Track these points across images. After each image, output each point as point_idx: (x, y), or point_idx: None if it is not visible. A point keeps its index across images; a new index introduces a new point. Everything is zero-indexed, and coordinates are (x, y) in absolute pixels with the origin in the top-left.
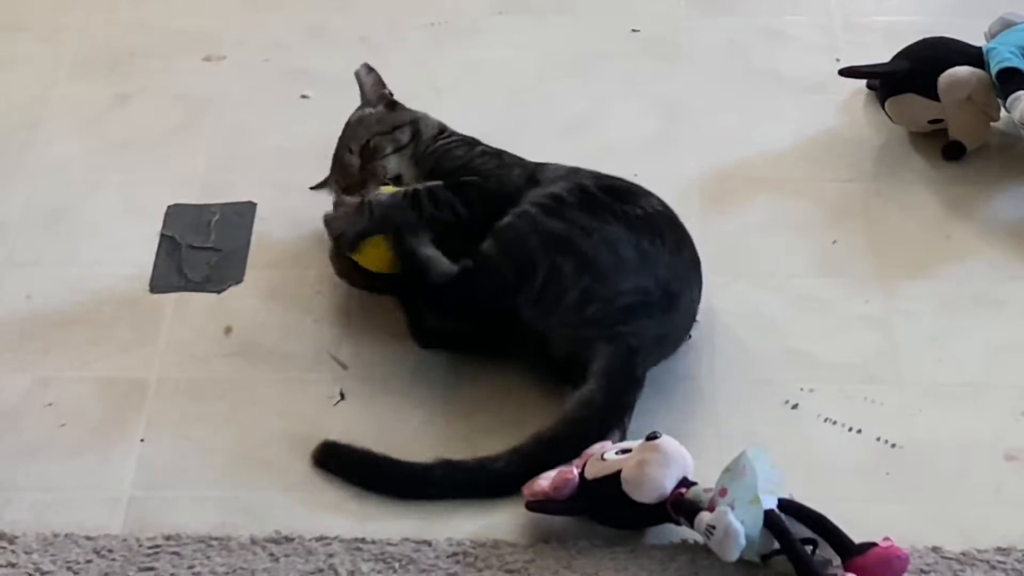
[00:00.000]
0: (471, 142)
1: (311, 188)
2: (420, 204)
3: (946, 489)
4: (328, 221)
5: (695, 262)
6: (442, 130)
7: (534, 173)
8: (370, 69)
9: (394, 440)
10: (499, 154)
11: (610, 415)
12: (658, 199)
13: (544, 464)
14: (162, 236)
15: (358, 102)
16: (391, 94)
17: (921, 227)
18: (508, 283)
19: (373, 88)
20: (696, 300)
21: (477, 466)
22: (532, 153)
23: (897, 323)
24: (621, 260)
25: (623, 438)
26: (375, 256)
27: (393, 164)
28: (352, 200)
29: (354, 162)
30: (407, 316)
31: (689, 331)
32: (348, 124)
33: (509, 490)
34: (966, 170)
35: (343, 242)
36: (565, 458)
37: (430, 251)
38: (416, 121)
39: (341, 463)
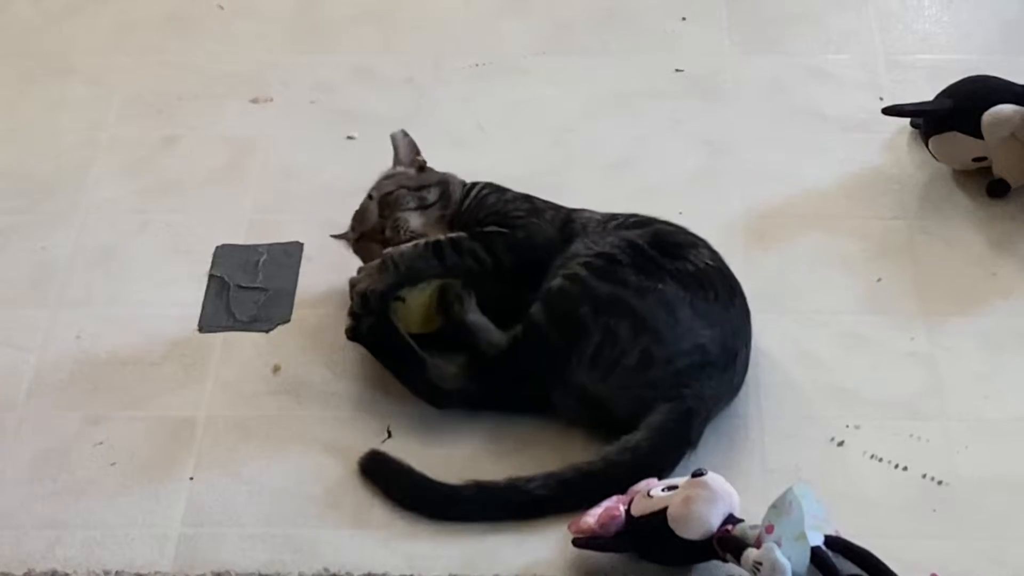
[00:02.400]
0: (500, 188)
1: (332, 236)
2: (443, 253)
3: (993, 526)
4: (354, 283)
5: (746, 312)
6: (469, 186)
7: (568, 219)
8: (405, 134)
9: (441, 477)
10: (529, 198)
11: (650, 468)
12: (706, 248)
13: (577, 494)
14: (210, 276)
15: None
16: (424, 161)
17: (966, 264)
18: (558, 349)
19: (407, 152)
20: (748, 352)
21: (508, 486)
22: (577, 191)
23: (942, 360)
24: (678, 321)
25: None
26: (415, 310)
27: (416, 222)
28: (373, 262)
29: (372, 209)
30: (405, 383)
31: (742, 384)
32: (380, 178)
33: (541, 513)
34: (1010, 207)
35: (371, 301)
36: (597, 495)
37: (478, 318)
38: (444, 182)
39: (382, 474)
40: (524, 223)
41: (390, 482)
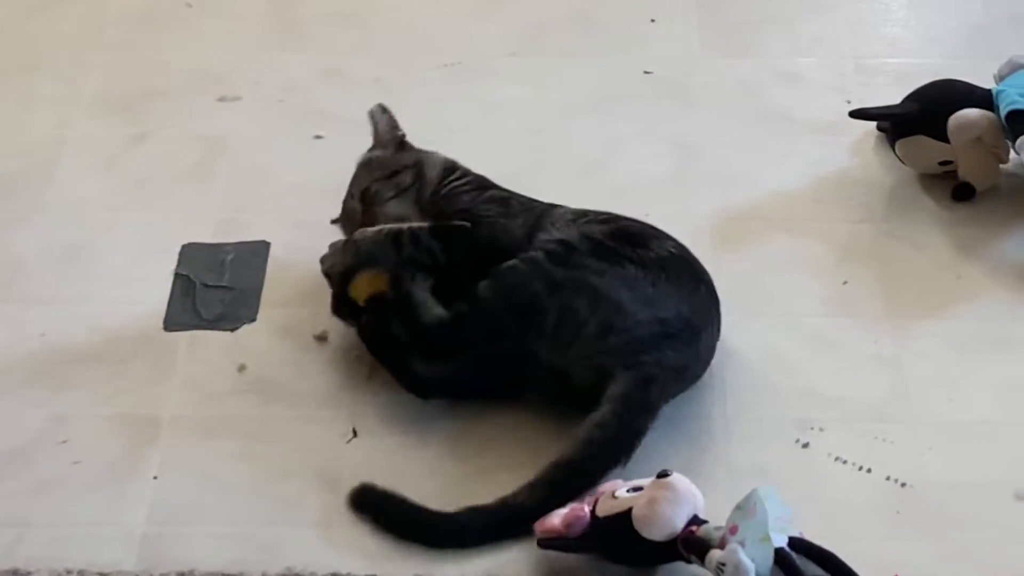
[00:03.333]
0: (481, 185)
1: (332, 222)
2: (400, 244)
3: (957, 528)
4: (321, 261)
5: (713, 298)
6: (450, 170)
7: (541, 217)
8: (384, 109)
9: (409, 476)
10: (506, 200)
11: (622, 437)
12: (673, 241)
13: (566, 490)
14: (177, 275)
15: (372, 142)
16: (404, 135)
17: (932, 267)
18: (507, 326)
19: (386, 128)
20: (716, 337)
21: (502, 506)
22: (547, 193)
23: (908, 362)
24: (638, 295)
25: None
26: (363, 284)
27: (394, 209)
28: (339, 241)
29: (356, 208)
30: (393, 373)
31: (707, 368)
32: (356, 170)
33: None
34: (976, 211)
35: (333, 279)
36: (585, 482)
37: (424, 296)
38: (420, 163)
39: (375, 507)
40: (490, 222)
41: (383, 514)
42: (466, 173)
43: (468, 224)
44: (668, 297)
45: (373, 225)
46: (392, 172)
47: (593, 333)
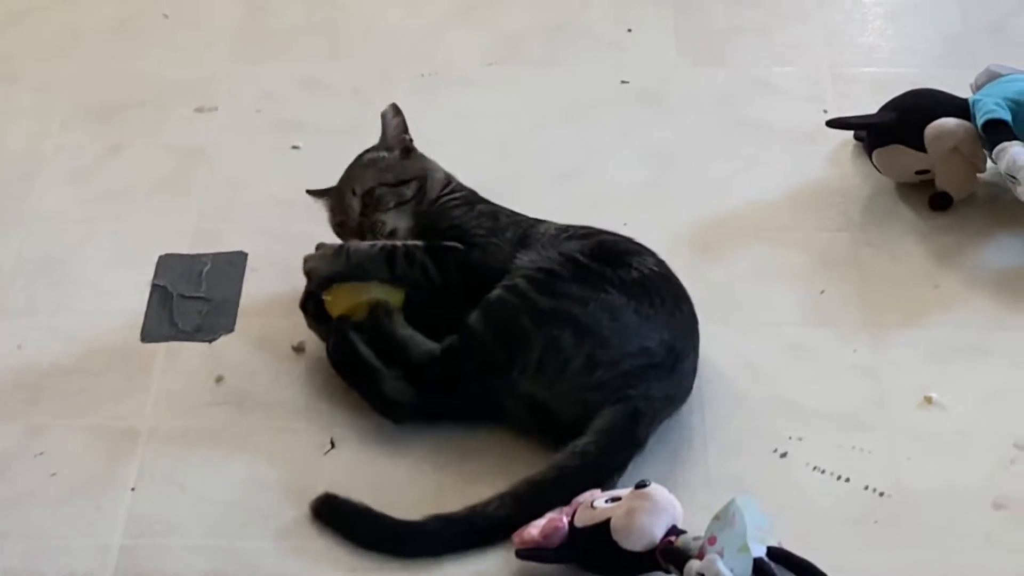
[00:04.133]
0: (471, 200)
1: (307, 191)
2: (394, 261)
3: (935, 538)
4: (306, 259)
5: (693, 318)
6: (447, 185)
7: (526, 234)
8: (397, 111)
9: (386, 488)
10: (495, 215)
11: (600, 470)
12: (652, 256)
13: (535, 508)
14: (153, 286)
15: (349, 153)
16: (411, 140)
17: (909, 276)
18: (498, 360)
19: (395, 131)
20: (696, 358)
21: (469, 514)
22: (524, 203)
23: (885, 372)
24: (622, 325)
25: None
26: (342, 299)
27: (392, 219)
28: (332, 244)
29: (355, 205)
30: (365, 398)
31: (690, 392)
32: (359, 162)
33: (504, 535)
34: (953, 220)
35: (313, 279)
36: (554, 503)
37: (407, 332)
38: (424, 177)
39: (338, 516)
40: (482, 243)
41: (347, 524)
42: (459, 187)
43: (461, 246)
44: (651, 322)
45: (366, 226)
46: (399, 181)
47: (579, 368)
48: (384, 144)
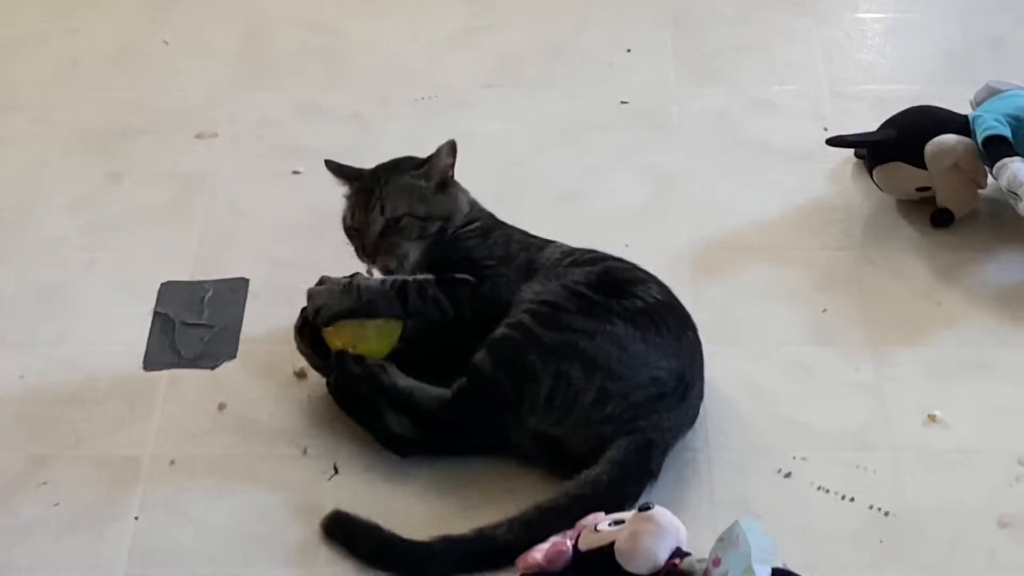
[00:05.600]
0: (487, 229)
1: (327, 162)
2: (407, 297)
3: (939, 556)
4: (312, 294)
5: (698, 343)
6: (467, 218)
7: (532, 259)
8: (453, 151)
9: (389, 513)
10: (508, 243)
11: (612, 501)
12: (656, 283)
13: (542, 533)
14: (155, 313)
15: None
16: (450, 177)
17: (911, 294)
18: (507, 399)
19: (442, 168)
20: (703, 384)
21: (477, 537)
22: (524, 224)
23: (888, 390)
24: (631, 356)
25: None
26: (344, 332)
27: (414, 255)
28: (339, 278)
29: (378, 224)
30: (371, 433)
31: (696, 417)
32: (399, 180)
33: (511, 559)
34: (954, 237)
35: (322, 315)
36: (566, 528)
37: (408, 382)
38: (449, 219)
39: (347, 534)
40: (492, 275)
41: (356, 542)
42: (477, 218)
43: (472, 279)
44: (658, 351)
45: (382, 247)
46: (427, 217)
47: (590, 402)
48: (425, 173)
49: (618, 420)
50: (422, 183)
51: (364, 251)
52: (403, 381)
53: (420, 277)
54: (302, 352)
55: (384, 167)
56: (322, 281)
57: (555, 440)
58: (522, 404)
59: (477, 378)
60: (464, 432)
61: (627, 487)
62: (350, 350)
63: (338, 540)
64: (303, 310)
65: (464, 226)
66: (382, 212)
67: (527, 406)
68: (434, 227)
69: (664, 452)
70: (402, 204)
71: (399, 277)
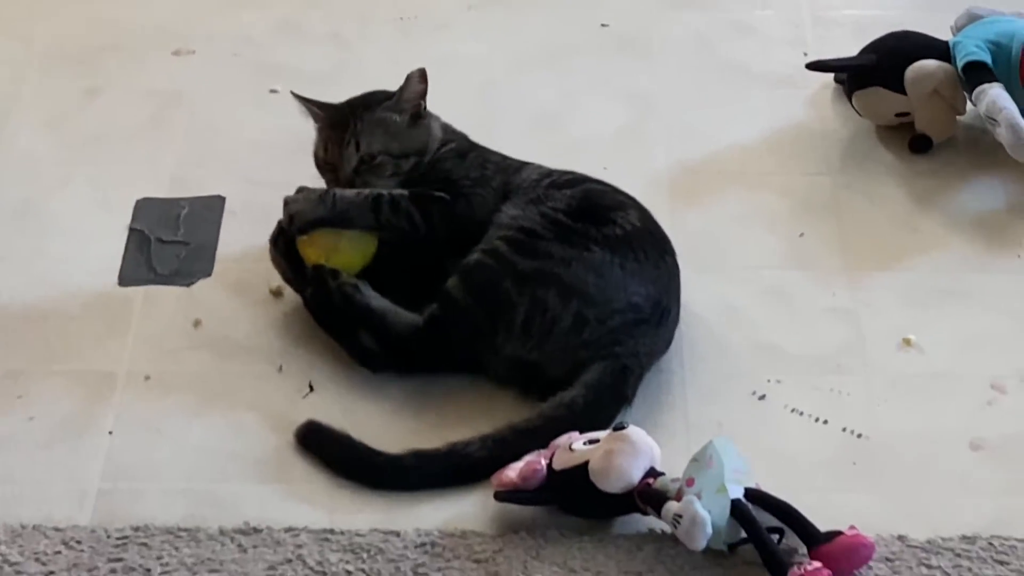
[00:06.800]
0: (462, 151)
1: (293, 93)
2: (380, 209)
3: (912, 479)
4: (288, 202)
5: (676, 269)
6: (440, 146)
7: (509, 181)
8: (423, 78)
9: (364, 431)
10: (483, 163)
11: (586, 424)
12: (635, 208)
13: (515, 452)
14: (131, 230)
15: (328, 97)
16: (422, 108)
17: (888, 220)
18: (480, 326)
19: (412, 96)
20: (679, 309)
21: (449, 452)
22: (502, 147)
23: (864, 315)
24: (608, 282)
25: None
26: (318, 243)
27: (384, 183)
28: (315, 189)
29: (352, 161)
30: (343, 346)
31: (671, 342)
32: (371, 115)
33: (482, 475)
34: (933, 163)
35: (296, 222)
36: (538, 448)
37: (382, 303)
38: (423, 152)
39: (320, 444)
40: (468, 193)
41: (328, 452)
42: (450, 140)
43: (447, 196)
44: (636, 277)
45: (357, 183)
46: (402, 154)
47: (566, 328)
48: (397, 105)
49: (595, 345)
50: (396, 117)
51: (338, 185)
52: (376, 302)
53: (396, 191)
54: (275, 263)
55: (357, 101)
56: (300, 191)
57: (531, 364)
58: (496, 331)
59: (449, 305)
60: (435, 357)
61: (601, 411)
62: (324, 263)
63: (311, 450)
64: (279, 221)
65: (439, 149)
66: (357, 148)
67: (502, 333)
68: (408, 164)
69: (639, 378)
70: (376, 141)
71: (375, 190)
